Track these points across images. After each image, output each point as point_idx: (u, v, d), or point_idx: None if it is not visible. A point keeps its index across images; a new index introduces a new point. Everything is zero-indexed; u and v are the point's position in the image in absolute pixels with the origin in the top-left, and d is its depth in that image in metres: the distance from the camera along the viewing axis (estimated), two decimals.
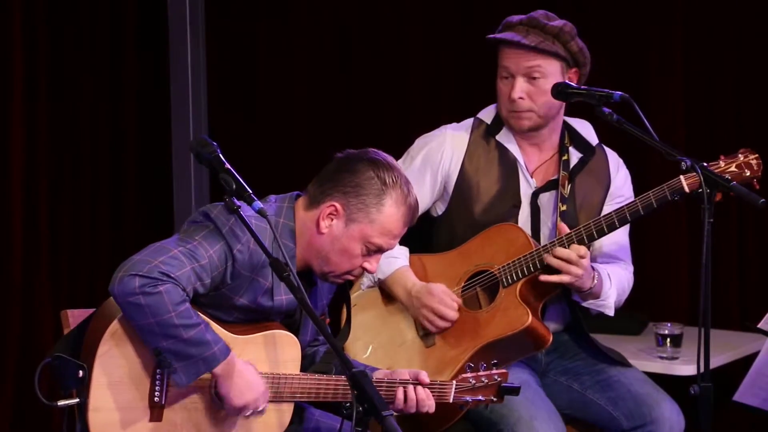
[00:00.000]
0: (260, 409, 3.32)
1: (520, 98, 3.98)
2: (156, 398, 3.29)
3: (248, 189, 3.27)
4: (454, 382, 3.53)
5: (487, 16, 5.24)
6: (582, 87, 3.83)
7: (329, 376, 3.41)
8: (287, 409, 3.41)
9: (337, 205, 3.35)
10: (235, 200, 3.25)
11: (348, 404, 2.91)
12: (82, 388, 3.25)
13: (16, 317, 5.18)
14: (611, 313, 4.04)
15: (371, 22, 5.59)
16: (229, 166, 3.32)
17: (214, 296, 3.34)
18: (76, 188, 5.42)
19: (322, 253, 3.37)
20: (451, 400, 3.53)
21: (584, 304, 4.02)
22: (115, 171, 5.60)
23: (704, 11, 5.03)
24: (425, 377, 3.47)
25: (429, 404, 3.47)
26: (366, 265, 3.40)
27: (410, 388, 3.45)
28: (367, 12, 5.59)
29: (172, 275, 3.21)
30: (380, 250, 3.40)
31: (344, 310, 3.59)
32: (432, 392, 3.49)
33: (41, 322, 5.23)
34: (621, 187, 4.15)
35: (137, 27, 5.62)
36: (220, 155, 3.34)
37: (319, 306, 3.53)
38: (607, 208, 4.10)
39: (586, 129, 4.16)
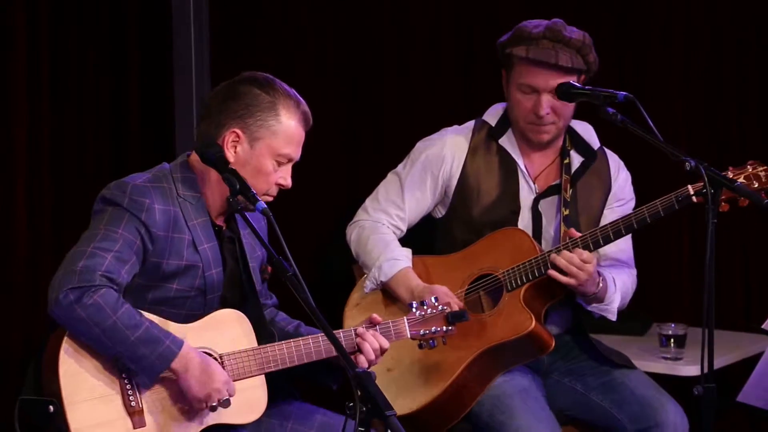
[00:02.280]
0: (225, 398, 3.32)
1: (547, 114, 3.98)
2: (132, 404, 3.29)
3: (252, 189, 3.28)
4: (405, 318, 3.59)
5: (493, 12, 5.25)
6: (586, 87, 3.83)
7: (297, 338, 3.45)
8: (263, 385, 3.43)
9: (237, 130, 3.39)
10: (239, 199, 3.28)
11: (351, 404, 2.91)
12: (59, 420, 3.23)
13: (20, 316, 5.17)
14: (614, 318, 4.04)
15: (374, 20, 5.58)
16: (235, 156, 3.34)
17: (147, 272, 3.35)
18: (80, 187, 5.42)
19: None
20: (409, 335, 3.59)
21: (588, 308, 4.02)
22: (119, 171, 5.59)
23: (707, 11, 5.02)
24: (376, 317, 3.54)
25: (384, 342, 3.52)
26: (281, 180, 3.45)
27: (368, 334, 3.49)
28: (370, 11, 5.58)
29: (100, 271, 3.23)
30: (290, 160, 3.44)
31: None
32: (389, 332, 3.55)
33: (44, 321, 5.22)
34: (621, 190, 4.16)
35: (140, 25, 5.61)
36: (225, 155, 3.35)
37: (254, 258, 3.55)
38: (608, 212, 4.12)
39: (588, 132, 4.16)
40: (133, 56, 5.57)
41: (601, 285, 3.93)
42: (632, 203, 4.18)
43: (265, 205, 3.23)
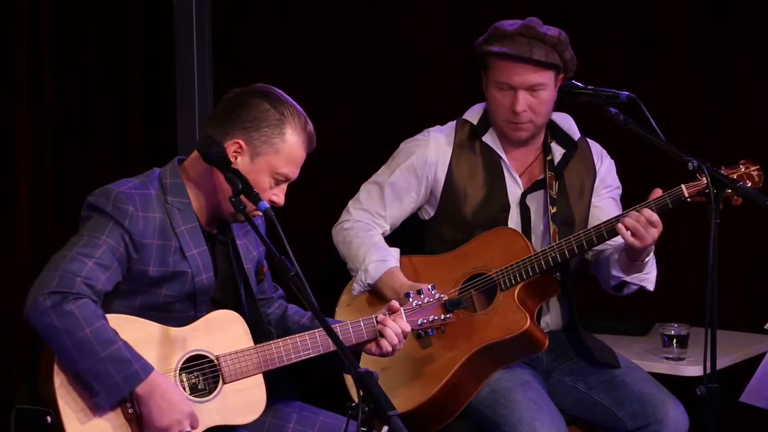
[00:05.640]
0: (186, 430, 3.28)
1: (524, 111, 3.99)
2: (130, 411, 3.25)
3: (254, 188, 3.28)
4: (402, 308, 3.57)
5: (493, 12, 5.25)
6: (589, 87, 3.83)
7: (293, 335, 3.43)
8: (261, 384, 3.41)
9: (241, 141, 3.36)
10: (243, 199, 3.27)
11: (353, 404, 2.91)
12: (57, 431, 3.21)
13: (21, 321, 5.16)
14: (652, 287, 4.04)
15: (377, 25, 5.59)
16: (235, 166, 3.33)
17: (134, 279, 3.32)
18: (83, 192, 5.39)
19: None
20: (409, 327, 3.56)
21: (627, 279, 4.00)
22: (122, 172, 5.59)
23: (710, 10, 5.02)
24: (395, 304, 3.55)
25: (406, 326, 3.54)
26: (274, 198, 3.41)
27: (389, 320, 3.50)
28: (373, 17, 5.59)
29: (80, 277, 3.19)
30: (287, 179, 3.42)
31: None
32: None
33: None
34: (606, 177, 4.17)
35: (143, 28, 5.61)
36: (227, 155, 3.34)
37: (249, 259, 3.53)
38: (595, 199, 4.13)
39: (567, 123, 4.18)
40: (135, 60, 5.57)
41: (648, 255, 3.93)
42: (619, 191, 4.18)
43: (267, 205, 3.23)
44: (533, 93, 3.98)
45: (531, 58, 3.94)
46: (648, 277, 4.02)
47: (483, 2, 5.36)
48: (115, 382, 3.18)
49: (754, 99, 4.98)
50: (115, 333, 3.21)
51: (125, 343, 3.22)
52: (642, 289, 4.04)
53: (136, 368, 3.20)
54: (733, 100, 5.01)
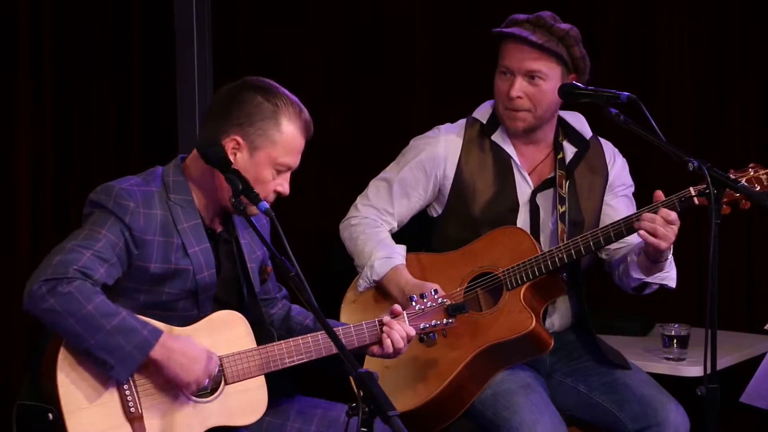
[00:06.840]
0: (214, 374, 3.30)
1: (519, 97, 3.98)
2: (132, 410, 3.26)
3: (257, 182, 3.28)
4: (405, 312, 3.57)
5: (493, 12, 5.25)
6: (589, 87, 3.83)
7: (297, 337, 3.44)
8: (263, 386, 3.42)
9: (238, 138, 3.37)
10: (243, 199, 3.26)
11: (354, 405, 2.91)
12: (58, 428, 3.20)
13: (22, 319, 5.16)
14: (674, 284, 4.03)
15: (378, 25, 5.59)
16: (234, 162, 3.33)
17: (135, 276, 3.33)
18: (83, 192, 5.39)
19: None
20: (413, 332, 3.57)
21: (648, 279, 3.99)
22: (122, 171, 5.58)
23: (711, 10, 5.02)
24: (398, 308, 3.56)
25: (411, 330, 3.56)
26: (279, 188, 3.43)
27: (394, 323, 3.51)
28: (375, 15, 5.59)
29: (75, 266, 3.20)
30: (289, 169, 3.43)
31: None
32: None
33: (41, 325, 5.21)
34: (619, 176, 4.16)
35: (143, 30, 5.61)
36: (227, 155, 3.34)
37: (253, 258, 3.53)
38: (608, 198, 4.12)
39: (579, 122, 4.17)
40: (136, 59, 5.57)
41: (668, 253, 3.92)
42: (632, 189, 4.18)
43: (268, 205, 3.23)
44: (532, 81, 3.98)
45: (528, 39, 3.93)
46: (669, 275, 4.01)
47: (482, 2, 5.36)
48: (127, 352, 3.19)
49: (755, 99, 4.98)
50: (117, 305, 3.22)
51: (129, 312, 3.23)
52: (663, 288, 4.03)
53: (144, 334, 3.21)
54: (733, 101, 5.01)
